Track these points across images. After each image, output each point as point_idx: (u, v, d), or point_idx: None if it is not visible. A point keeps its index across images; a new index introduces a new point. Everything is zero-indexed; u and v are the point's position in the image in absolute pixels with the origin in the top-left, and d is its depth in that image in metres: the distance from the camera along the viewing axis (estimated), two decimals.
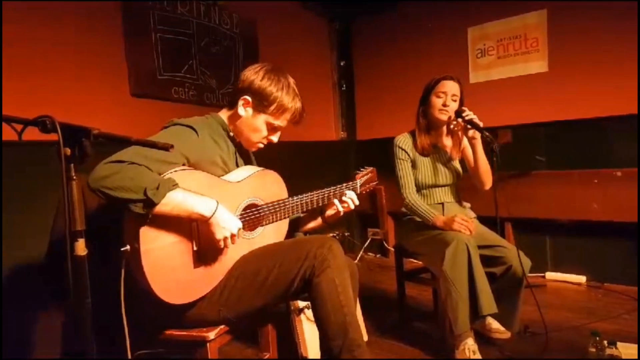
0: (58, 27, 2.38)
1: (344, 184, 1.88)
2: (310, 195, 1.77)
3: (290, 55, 3.96)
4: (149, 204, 1.28)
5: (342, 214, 1.87)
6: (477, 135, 2.25)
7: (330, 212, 1.89)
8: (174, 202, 1.33)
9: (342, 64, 4.74)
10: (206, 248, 1.49)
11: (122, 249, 1.33)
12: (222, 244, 1.46)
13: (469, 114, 2.22)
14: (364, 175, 1.98)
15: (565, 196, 3.32)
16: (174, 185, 1.33)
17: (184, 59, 3.07)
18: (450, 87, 2.32)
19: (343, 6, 4.55)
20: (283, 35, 3.95)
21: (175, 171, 1.41)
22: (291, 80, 1.69)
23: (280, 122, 1.68)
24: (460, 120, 2.25)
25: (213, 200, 1.42)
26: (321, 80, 4.64)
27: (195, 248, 1.46)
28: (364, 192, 1.97)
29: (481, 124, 2.21)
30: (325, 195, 1.81)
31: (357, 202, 1.87)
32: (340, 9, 4.59)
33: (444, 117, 2.32)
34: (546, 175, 3.48)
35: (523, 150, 3.60)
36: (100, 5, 2.57)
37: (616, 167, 3.14)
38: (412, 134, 2.47)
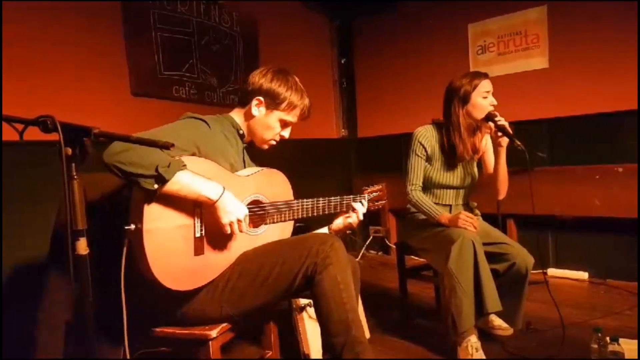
0: (58, 27, 2.39)
1: (352, 197, 1.90)
2: (317, 201, 1.78)
3: (291, 53, 3.96)
4: (160, 179, 1.32)
5: (352, 225, 1.90)
6: (505, 142, 2.18)
7: (336, 224, 1.91)
8: (183, 182, 1.37)
9: (342, 61, 4.74)
10: (210, 236, 1.50)
11: (125, 227, 1.35)
12: (228, 229, 1.47)
13: (500, 120, 2.16)
14: (373, 192, 1.98)
15: (567, 192, 3.31)
16: (183, 165, 1.37)
17: (185, 57, 3.07)
18: (491, 86, 2.26)
19: (343, 5, 4.55)
20: (283, 33, 3.95)
21: (184, 157, 1.44)
22: (297, 80, 1.76)
23: (292, 117, 1.75)
24: (491, 124, 2.18)
25: (220, 185, 1.44)
26: (322, 78, 4.63)
27: (197, 235, 1.47)
28: (371, 208, 1.97)
29: (511, 131, 2.14)
30: (332, 203, 1.83)
31: (363, 212, 1.90)
32: (340, 8, 4.59)
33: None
34: (548, 171, 3.47)
35: (525, 147, 3.57)
36: (100, 5, 2.57)
37: (618, 163, 3.13)
38: (437, 126, 2.38)
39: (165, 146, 1.22)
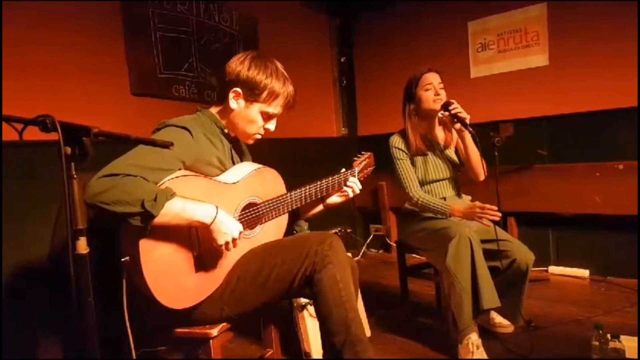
0: (58, 26, 2.39)
1: (342, 172, 1.86)
2: (308, 188, 1.75)
3: (290, 52, 3.94)
4: (148, 216, 1.26)
5: (344, 201, 1.88)
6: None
7: (332, 199, 1.88)
8: (173, 211, 1.31)
9: (342, 60, 4.73)
10: (207, 252, 1.48)
11: (122, 260, 1.32)
12: (223, 249, 1.45)
13: (455, 107, 2.23)
14: (362, 161, 1.97)
15: (567, 190, 3.31)
16: (171, 194, 1.31)
17: (184, 57, 3.07)
18: (434, 78, 2.35)
19: (343, 3, 4.54)
20: (283, 31, 3.94)
21: (171, 179, 1.39)
22: (279, 65, 1.63)
23: (274, 108, 1.63)
24: (446, 113, 2.26)
25: (212, 206, 1.40)
26: (322, 77, 4.63)
27: (195, 253, 1.46)
28: (361, 178, 1.95)
29: (468, 117, 2.21)
30: (324, 186, 1.79)
31: (359, 186, 1.87)
32: (340, 6, 4.59)
33: (439, 106, 2.32)
34: (548, 169, 3.47)
35: (525, 144, 3.58)
36: (99, 5, 2.57)
37: (618, 160, 3.13)
38: (402, 133, 2.48)
39: (165, 146, 1.21)
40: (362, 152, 2.00)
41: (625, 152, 3.13)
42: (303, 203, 1.76)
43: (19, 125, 0.99)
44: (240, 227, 1.48)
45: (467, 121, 2.21)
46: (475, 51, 3.87)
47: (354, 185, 1.85)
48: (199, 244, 1.47)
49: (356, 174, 1.92)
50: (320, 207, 1.91)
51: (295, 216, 1.90)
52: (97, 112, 2.51)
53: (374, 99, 4.62)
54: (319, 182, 1.78)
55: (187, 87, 3.07)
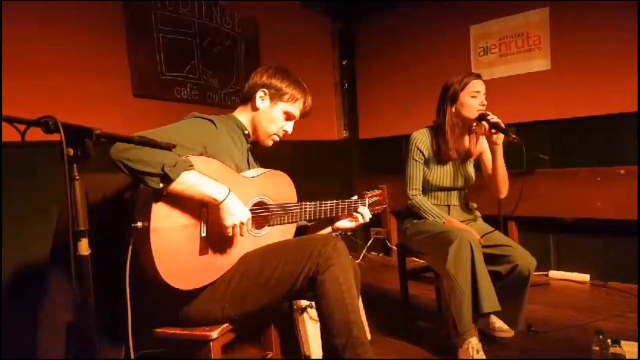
0: (60, 28, 2.39)
1: (353, 200, 1.88)
2: (320, 204, 1.78)
3: (292, 55, 3.96)
4: (165, 179, 1.32)
5: (355, 228, 1.91)
6: (500, 140, 2.19)
7: (339, 224, 1.90)
8: (189, 182, 1.37)
9: (344, 63, 4.73)
10: (214, 236, 1.50)
11: (132, 225, 1.35)
12: (230, 231, 1.47)
13: (493, 117, 2.18)
14: (374, 196, 1.96)
15: (568, 194, 3.31)
16: (190, 165, 1.38)
17: (186, 59, 3.08)
18: (482, 86, 2.27)
19: (344, 5, 4.56)
20: (284, 34, 3.96)
21: (191, 157, 1.44)
22: (300, 79, 1.81)
23: (295, 109, 1.77)
24: (484, 123, 2.19)
25: (225, 187, 1.45)
26: (323, 80, 4.64)
27: (203, 234, 1.48)
28: (372, 212, 1.95)
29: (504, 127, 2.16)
30: (334, 207, 1.82)
31: (369, 217, 1.89)
32: (341, 8, 4.60)
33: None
34: (549, 173, 3.47)
35: (526, 149, 3.57)
36: (102, 6, 2.57)
37: (619, 165, 3.13)
38: (431, 130, 2.40)
39: (167, 147, 1.23)
40: (374, 188, 1.98)
41: (627, 157, 3.13)
42: (312, 217, 1.78)
43: (22, 126, 0.99)
44: (249, 214, 1.51)
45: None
46: (477, 55, 3.88)
47: (364, 212, 1.87)
48: (209, 227, 1.48)
49: (367, 205, 1.92)
50: (328, 230, 1.93)
51: (301, 234, 1.91)
52: (98, 113, 2.52)
53: (375, 102, 4.62)
54: (330, 202, 1.80)
55: (189, 89, 3.07)
